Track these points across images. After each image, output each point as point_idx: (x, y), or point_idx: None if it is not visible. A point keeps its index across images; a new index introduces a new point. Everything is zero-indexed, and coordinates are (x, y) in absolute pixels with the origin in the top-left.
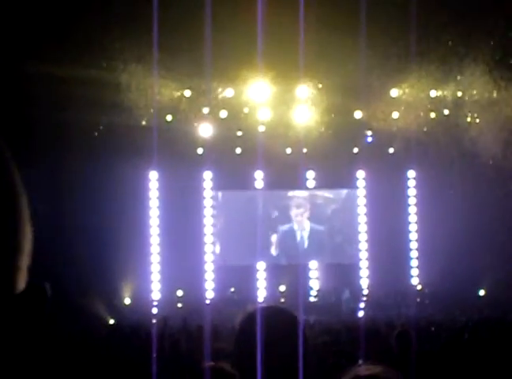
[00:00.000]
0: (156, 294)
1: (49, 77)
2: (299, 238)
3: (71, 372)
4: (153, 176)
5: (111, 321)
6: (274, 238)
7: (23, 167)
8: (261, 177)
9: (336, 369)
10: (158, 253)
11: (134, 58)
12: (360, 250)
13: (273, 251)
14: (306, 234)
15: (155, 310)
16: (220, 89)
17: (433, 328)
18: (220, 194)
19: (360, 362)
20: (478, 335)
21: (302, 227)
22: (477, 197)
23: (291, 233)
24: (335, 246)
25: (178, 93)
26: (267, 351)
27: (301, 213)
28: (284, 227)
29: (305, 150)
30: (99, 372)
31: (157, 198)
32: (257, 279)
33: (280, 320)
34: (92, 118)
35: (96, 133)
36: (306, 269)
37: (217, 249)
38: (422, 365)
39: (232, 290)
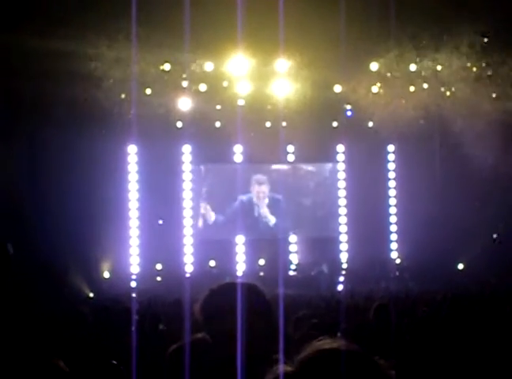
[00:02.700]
0: (135, 268)
1: (27, 50)
2: (257, 211)
3: (50, 345)
4: (132, 150)
5: (91, 295)
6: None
7: (3, 139)
8: (240, 151)
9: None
10: (137, 227)
11: (113, 32)
12: (340, 224)
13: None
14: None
15: (134, 284)
16: (199, 63)
17: (412, 302)
18: (202, 168)
19: (339, 335)
20: (457, 309)
21: (262, 200)
22: (457, 171)
23: (249, 205)
24: (314, 220)
25: (158, 67)
26: (232, 322)
27: (261, 198)
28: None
29: (284, 124)
30: (78, 345)
31: (136, 172)
32: (237, 253)
33: (240, 294)
34: (70, 91)
35: (74, 107)
36: (285, 243)
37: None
38: (400, 339)
39: (212, 265)
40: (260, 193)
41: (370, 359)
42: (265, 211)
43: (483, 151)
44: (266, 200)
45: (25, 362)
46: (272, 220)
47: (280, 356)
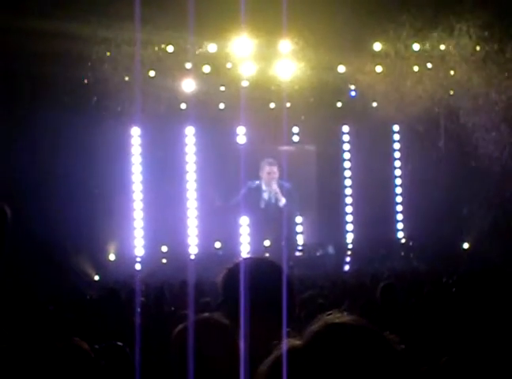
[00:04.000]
0: (140, 250)
1: (28, 31)
2: (266, 194)
3: (56, 327)
4: (135, 132)
5: (96, 278)
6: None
7: (4, 121)
8: (243, 132)
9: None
10: (141, 209)
11: (117, 13)
12: (346, 204)
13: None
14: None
15: (139, 266)
16: (203, 44)
17: (418, 281)
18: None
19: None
20: (462, 287)
21: (273, 191)
22: (462, 150)
23: (258, 189)
24: (320, 201)
25: (161, 48)
26: (252, 300)
27: (272, 178)
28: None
29: (289, 105)
30: (84, 327)
31: (140, 154)
32: (241, 235)
33: (261, 269)
34: (73, 73)
35: (78, 89)
36: (291, 224)
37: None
38: (406, 318)
39: (218, 246)
40: (271, 173)
41: (380, 334)
42: (275, 189)
43: (490, 130)
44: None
45: (45, 345)
46: (282, 200)
47: (284, 332)
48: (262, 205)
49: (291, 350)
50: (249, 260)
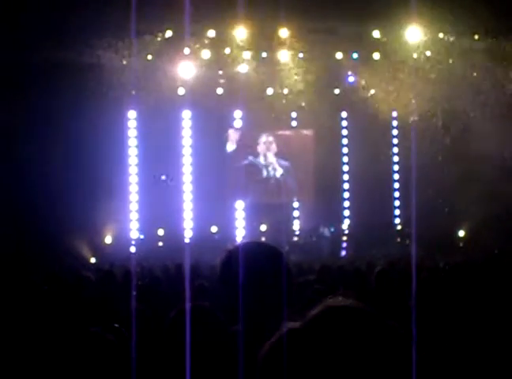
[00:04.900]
0: (136, 233)
1: (27, 20)
2: (265, 174)
3: (52, 311)
4: (132, 115)
5: (93, 260)
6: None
7: (2, 110)
8: (239, 116)
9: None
10: (137, 193)
11: None
12: (344, 190)
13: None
14: (277, 172)
15: (134, 249)
16: (201, 30)
17: (413, 268)
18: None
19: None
20: (457, 275)
21: (270, 163)
22: (460, 138)
23: (256, 168)
24: (318, 186)
25: (160, 33)
26: (250, 283)
27: (268, 148)
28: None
29: (286, 91)
30: (80, 311)
31: (136, 137)
32: (236, 219)
33: (261, 253)
34: (71, 56)
35: (76, 72)
36: (288, 209)
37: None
38: (400, 304)
39: (214, 231)
40: (267, 142)
41: (381, 318)
42: (272, 159)
43: (487, 118)
44: (274, 159)
45: (63, 334)
46: (279, 170)
47: (284, 315)
48: (263, 176)
49: (292, 332)
50: (249, 244)
